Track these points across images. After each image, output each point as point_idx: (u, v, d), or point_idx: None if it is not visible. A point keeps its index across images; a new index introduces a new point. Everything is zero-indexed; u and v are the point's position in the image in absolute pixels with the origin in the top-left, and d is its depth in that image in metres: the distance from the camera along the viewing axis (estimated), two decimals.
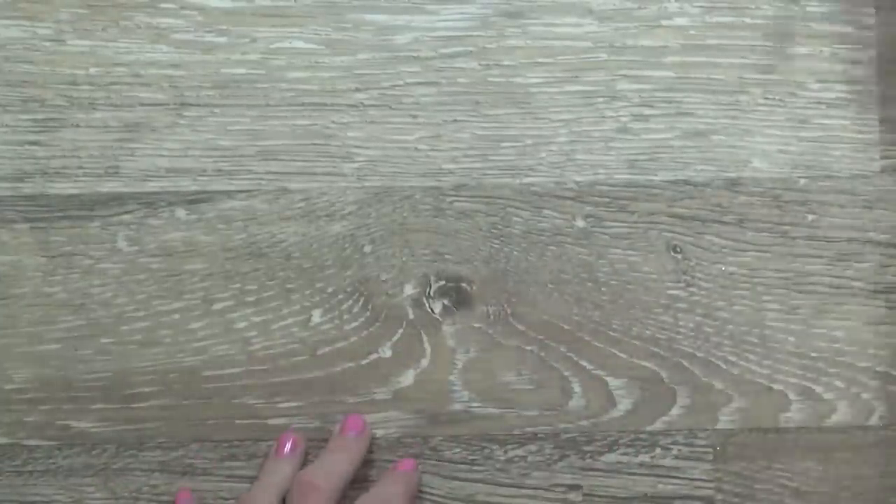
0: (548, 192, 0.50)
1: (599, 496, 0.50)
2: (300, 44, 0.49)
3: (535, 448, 0.50)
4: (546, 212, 0.50)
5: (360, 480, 0.49)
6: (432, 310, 0.49)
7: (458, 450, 0.50)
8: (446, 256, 0.50)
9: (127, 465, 0.49)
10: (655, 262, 0.50)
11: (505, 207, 0.50)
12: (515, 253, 0.50)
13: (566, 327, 0.50)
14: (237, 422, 0.49)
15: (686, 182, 0.50)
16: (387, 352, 0.50)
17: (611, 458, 0.50)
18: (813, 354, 0.50)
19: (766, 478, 0.50)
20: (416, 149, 0.50)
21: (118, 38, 0.49)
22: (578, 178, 0.50)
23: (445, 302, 0.50)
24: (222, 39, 0.49)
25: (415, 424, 0.49)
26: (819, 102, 0.50)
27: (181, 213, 0.49)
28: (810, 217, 0.50)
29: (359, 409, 0.49)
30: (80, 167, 0.49)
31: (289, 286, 0.49)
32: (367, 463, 0.49)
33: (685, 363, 0.50)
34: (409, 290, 0.50)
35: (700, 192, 0.50)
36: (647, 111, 0.50)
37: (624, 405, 0.50)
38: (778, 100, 0.50)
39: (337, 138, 0.49)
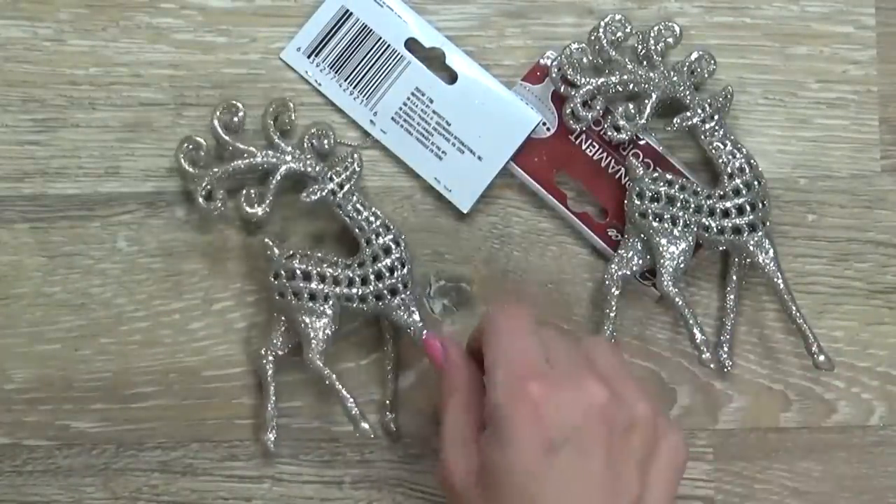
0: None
1: None
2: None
3: None
4: (546, 211, 0.50)
5: (358, 482, 0.49)
6: (432, 310, 0.49)
7: None
8: (446, 256, 0.49)
9: (127, 465, 0.49)
10: None
11: (505, 207, 0.50)
12: (515, 253, 0.50)
13: (566, 327, 0.50)
14: (237, 422, 0.49)
15: None
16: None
17: None
18: None
19: (766, 478, 0.50)
20: None
21: (118, 38, 0.49)
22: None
23: (445, 302, 0.49)
24: (222, 39, 0.49)
25: (415, 424, 0.49)
26: (819, 102, 0.50)
27: (181, 213, 0.49)
28: (810, 217, 0.50)
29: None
30: (80, 167, 0.49)
31: None
32: (365, 463, 0.49)
33: (685, 363, 0.50)
34: None
35: None
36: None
37: None
38: (778, 100, 0.50)
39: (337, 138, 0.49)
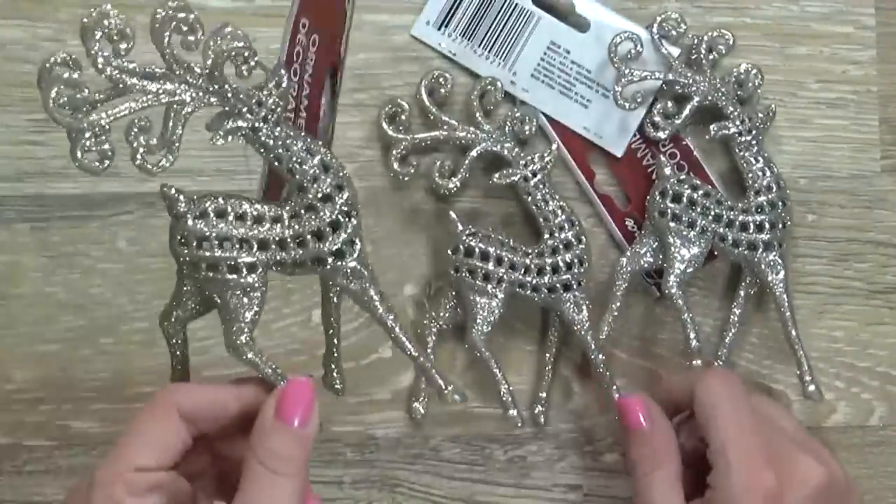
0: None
1: (599, 496, 0.50)
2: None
3: (535, 448, 0.50)
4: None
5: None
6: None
7: (457, 450, 0.50)
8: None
9: None
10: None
11: (506, 208, 0.50)
12: None
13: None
14: None
15: None
16: (387, 352, 0.50)
17: (611, 458, 0.50)
18: (813, 354, 0.50)
19: None
20: None
21: None
22: (580, 178, 0.50)
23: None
24: None
25: (415, 424, 0.49)
26: (819, 102, 0.50)
27: None
28: (810, 217, 0.50)
29: (359, 409, 0.49)
30: None
31: (289, 286, 0.49)
32: (365, 463, 0.49)
33: (685, 363, 0.50)
34: (409, 290, 0.50)
35: None
36: None
37: None
38: (778, 100, 0.50)
39: (337, 138, 0.49)
